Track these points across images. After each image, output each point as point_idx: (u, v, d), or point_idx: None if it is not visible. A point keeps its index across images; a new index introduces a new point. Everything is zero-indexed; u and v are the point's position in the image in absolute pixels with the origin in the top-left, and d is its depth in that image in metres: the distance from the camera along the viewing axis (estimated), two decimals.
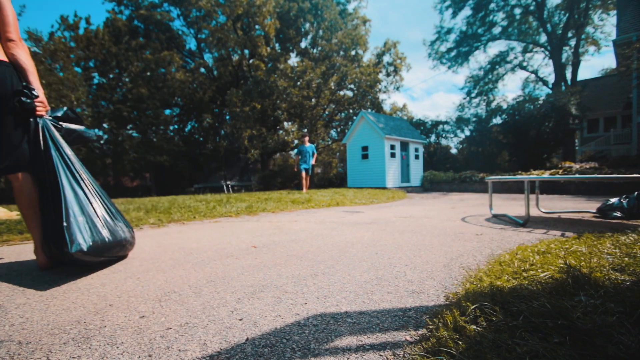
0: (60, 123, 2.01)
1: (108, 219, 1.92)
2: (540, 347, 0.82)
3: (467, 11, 24.57)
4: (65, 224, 1.66)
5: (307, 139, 9.70)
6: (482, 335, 0.90)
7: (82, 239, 1.67)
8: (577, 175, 7.01)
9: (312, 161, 9.59)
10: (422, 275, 1.61)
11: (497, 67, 25.61)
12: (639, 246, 1.87)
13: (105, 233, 1.83)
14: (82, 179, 1.91)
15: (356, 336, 1.00)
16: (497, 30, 24.60)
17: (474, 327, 0.95)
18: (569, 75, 22.59)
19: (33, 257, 2.25)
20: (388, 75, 24.64)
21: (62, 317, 1.20)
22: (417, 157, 15.86)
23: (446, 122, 22.17)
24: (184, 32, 25.25)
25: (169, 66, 21.53)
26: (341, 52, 22.63)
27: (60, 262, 1.88)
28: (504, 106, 18.87)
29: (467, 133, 21.56)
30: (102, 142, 22.43)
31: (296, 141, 22.34)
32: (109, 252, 1.87)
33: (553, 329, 0.91)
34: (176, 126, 25.96)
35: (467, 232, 2.92)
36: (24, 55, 1.77)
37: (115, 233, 1.91)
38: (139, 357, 0.90)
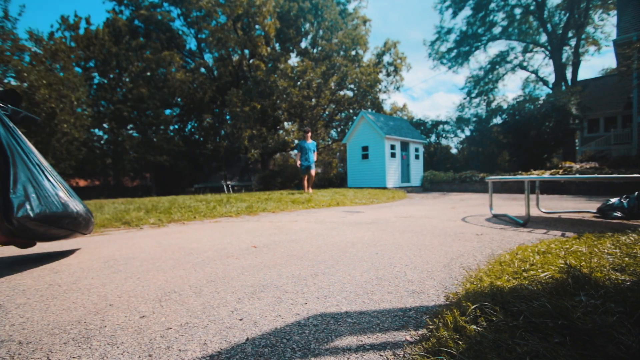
0: (7, 104, 2.04)
1: (59, 192, 1.97)
2: (541, 347, 0.82)
3: (467, 11, 24.60)
4: (12, 193, 1.71)
5: (309, 134, 8.85)
6: (483, 335, 0.90)
7: (29, 206, 1.72)
8: (577, 175, 7.00)
9: (314, 158, 8.81)
10: (423, 275, 1.61)
11: (497, 67, 25.63)
12: (639, 246, 1.87)
13: (55, 204, 1.89)
14: (32, 154, 1.95)
15: (356, 336, 1.00)
16: (497, 30, 24.62)
17: (474, 327, 0.95)
18: (569, 75, 22.60)
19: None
20: (388, 75, 24.66)
21: (63, 317, 1.20)
22: (417, 157, 15.87)
23: (446, 122, 22.18)
24: (184, 32, 25.30)
25: (169, 66, 21.55)
26: (341, 52, 22.64)
27: (18, 235, 1.89)
28: (504, 106, 18.87)
29: (468, 133, 21.57)
30: (102, 142, 22.45)
31: (296, 141, 22.34)
32: (60, 223, 1.91)
33: (553, 329, 0.91)
34: (176, 126, 25.99)
35: (468, 232, 2.92)
36: None
37: (67, 206, 1.97)
38: (139, 357, 0.90)
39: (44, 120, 13.13)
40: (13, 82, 12.61)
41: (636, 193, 3.63)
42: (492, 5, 23.54)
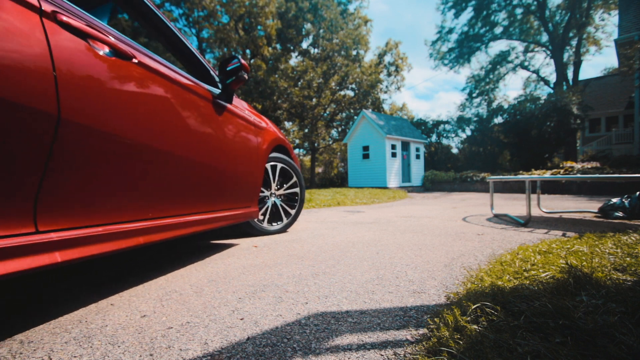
0: None
1: None
2: (542, 347, 0.82)
3: (469, 11, 24.47)
4: None
5: None
6: (483, 335, 0.90)
7: None
8: (578, 175, 6.99)
9: None
10: (423, 275, 1.61)
11: (498, 66, 25.60)
12: None
13: None
14: None
15: (357, 335, 1.00)
16: (498, 30, 24.59)
17: (475, 326, 0.95)
18: (570, 74, 22.57)
19: None
20: (389, 75, 24.67)
21: (64, 316, 1.20)
22: (418, 156, 15.85)
23: (447, 122, 22.16)
24: (187, 32, 25.33)
25: None
26: (342, 52, 22.65)
27: None
28: (505, 106, 18.88)
29: (469, 133, 21.55)
30: None
31: (297, 140, 22.36)
32: None
33: (554, 329, 0.91)
34: None
35: (469, 231, 2.91)
36: None
37: None
38: (140, 356, 0.91)
39: None
40: None
41: (638, 193, 3.63)
42: (494, 5, 23.51)
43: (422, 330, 1.02)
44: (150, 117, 1.39)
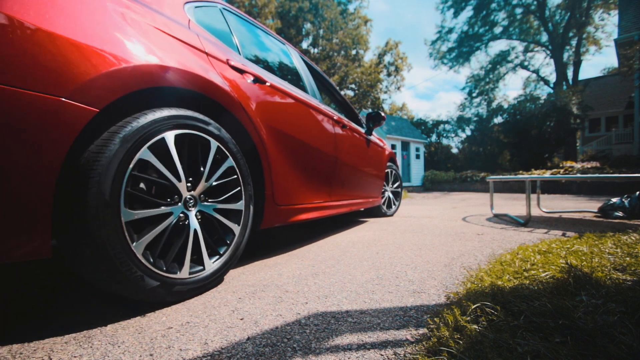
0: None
1: None
2: (542, 346, 0.82)
3: (468, 10, 24.47)
4: None
5: None
6: (483, 334, 0.90)
7: None
8: (578, 175, 6.99)
9: None
10: (423, 275, 1.61)
11: (498, 66, 25.59)
12: None
13: None
14: None
15: (357, 335, 1.00)
16: (498, 29, 24.59)
17: (475, 326, 0.95)
18: (570, 74, 22.57)
19: None
20: (389, 75, 24.66)
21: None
22: (418, 156, 15.86)
23: (447, 122, 22.18)
24: None
25: None
26: (342, 52, 22.65)
27: None
28: (505, 106, 18.89)
29: (468, 132, 21.57)
30: None
31: None
32: None
33: (554, 329, 0.91)
34: None
35: (468, 231, 2.91)
36: None
37: None
38: (140, 356, 0.91)
39: None
40: None
41: (637, 193, 3.63)
42: (494, 4, 23.50)
43: (422, 330, 1.02)
44: (352, 150, 3.03)
